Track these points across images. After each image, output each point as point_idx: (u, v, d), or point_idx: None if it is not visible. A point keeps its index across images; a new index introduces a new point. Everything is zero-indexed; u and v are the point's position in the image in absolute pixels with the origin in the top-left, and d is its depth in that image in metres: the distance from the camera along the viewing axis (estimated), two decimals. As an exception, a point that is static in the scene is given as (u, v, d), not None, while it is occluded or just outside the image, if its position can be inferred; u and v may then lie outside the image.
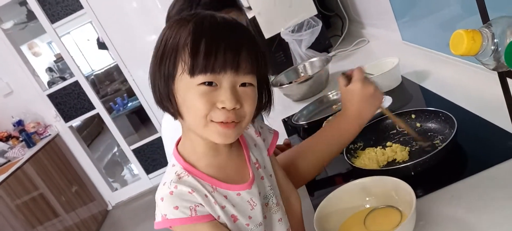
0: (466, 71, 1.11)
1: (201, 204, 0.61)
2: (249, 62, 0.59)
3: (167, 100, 0.62)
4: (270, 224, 0.70)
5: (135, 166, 3.90)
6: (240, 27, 0.62)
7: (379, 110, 1.02)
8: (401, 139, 0.98)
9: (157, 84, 0.62)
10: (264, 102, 0.68)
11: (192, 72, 0.58)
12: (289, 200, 0.77)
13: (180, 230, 0.62)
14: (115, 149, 5.59)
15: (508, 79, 0.49)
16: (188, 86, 0.59)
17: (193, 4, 1.01)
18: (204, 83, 0.58)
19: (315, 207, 0.79)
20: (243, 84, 0.60)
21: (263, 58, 0.62)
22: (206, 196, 0.61)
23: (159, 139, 3.75)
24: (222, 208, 0.63)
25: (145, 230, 3.41)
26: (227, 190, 0.64)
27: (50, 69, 6.51)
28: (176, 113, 0.62)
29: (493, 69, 0.47)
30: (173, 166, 0.65)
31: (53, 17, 3.34)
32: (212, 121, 0.59)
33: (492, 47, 0.43)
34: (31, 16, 4.73)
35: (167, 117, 1.05)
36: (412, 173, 0.81)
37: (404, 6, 1.45)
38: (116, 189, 4.00)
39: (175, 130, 0.95)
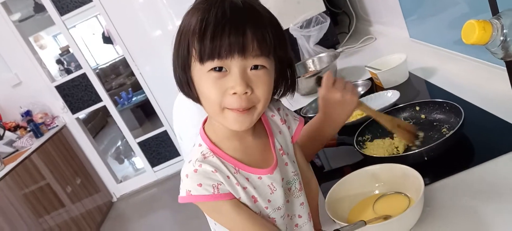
0: (472, 67, 1.15)
1: (222, 183, 0.62)
2: (257, 44, 0.58)
3: (187, 87, 0.63)
4: (292, 208, 0.72)
5: (141, 159, 3.94)
6: (249, 8, 0.59)
7: (359, 111, 1.05)
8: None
9: (177, 71, 0.63)
10: (287, 85, 0.67)
11: (201, 59, 0.58)
12: (309, 184, 0.79)
13: (202, 205, 0.64)
14: (119, 143, 5.64)
15: (515, 70, 0.52)
16: (200, 74, 0.60)
17: None
18: (214, 69, 0.58)
19: (324, 193, 0.83)
20: (255, 68, 0.59)
21: (277, 39, 0.60)
22: (228, 177, 0.63)
23: (165, 133, 3.80)
24: (244, 189, 0.64)
25: (149, 223, 3.46)
26: (249, 173, 0.65)
27: (59, 61, 6.56)
28: (197, 100, 0.64)
29: (501, 59, 0.50)
30: (200, 145, 0.66)
31: (63, 10, 3.37)
32: (226, 108, 0.60)
33: (501, 38, 0.47)
34: (38, 8, 4.79)
35: (180, 97, 1.07)
36: (420, 161, 0.84)
37: (413, 4, 1.48)
38: (121, 181, 4.05)
39: (188, 109, 0.97)
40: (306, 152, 0.88)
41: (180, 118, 1.04)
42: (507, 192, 0.72)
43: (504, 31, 0.46)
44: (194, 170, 0.62)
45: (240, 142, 0.66)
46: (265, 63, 0.59)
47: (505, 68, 0.99)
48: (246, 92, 0.58)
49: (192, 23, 0.59)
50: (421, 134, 0.95)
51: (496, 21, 0.47)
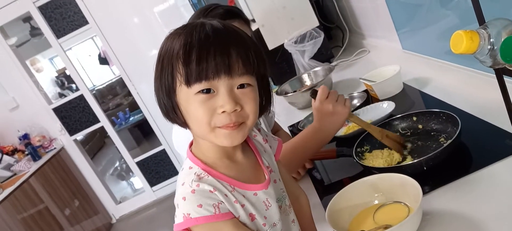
0: (464, 76, 1.17)
1: (222, 202, 0.61)
2: (241, 63, 0.59)
3: (173, 113, 0.63)
4: (286, 225, 0.71)
5: (139, 179, 3.92)
6: (228, 31, 0.61)
7: (351, 124, 1.11)
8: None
9: (161, 98, 0.63)
10: (267, 101, 0.68)
11: (188, 82, 0.59)
12: (298, 200, 0.79)
13: (202, 229, 0.60)
14: (117, 163, 5.61)
15: (504, 76, 0.54)
16: (187, 97, 0.60)
17: (202, 17, 1.07)
18: (201, 91, 0.59)
19: (325, 207, 0.83)
20: (241, 86, 0.60)
21: (258, 57, 0.62)
22: (226, 195, 0.62)
23: (163, 152, 3.79)
24: (242, 206, 0.63)
25: (149, 243, 3.43)
26: (245, 190, 0.64)
27: (56, 83, 6.57)
28: (183, 124, 0.64)
29: (490, 67, 0.52)
30: (190, 168, 0.64)
31: (59, 33, 3.41)
32: (216, 126, 0.60)
33: (489, 47, 0.48)
34: (34, 32, 4.82)
35: (176, 127, 1.09)
36: (419, 171, 0.85)
37: (404, 17, 1.51)
38: (120, 202, 4.02)
39: (185, 135, 1.00)
40: (296, 161, 0.91)
41: (180, 135, 1.05)
42: (504, 197, 0.73)
43: (491, 40, 0.48)
44: (192, 191, 0.60)
45: (231, 161, 0.66)
46: (250, 81, 0.61)
47: (492, 75, 1.02)
48: (235, 110, 0.60)
49: (175, 48, 0.60)
50: (408, 145, 0.99)
51: (483, 30, 0.49)
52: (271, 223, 0.67)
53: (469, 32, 0.48)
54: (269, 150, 0.74)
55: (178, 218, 0.60)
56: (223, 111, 0.59)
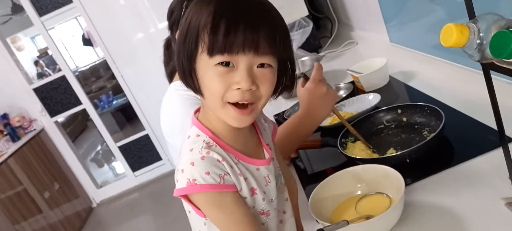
0: (450, 71, 1.18)
1: (228, 173, 0.61)
2: (268, 43, 0.58)
3: (190, 78, 0.63)
4: (281, 202, 0.73)
5: (121, 163, 3.88)
6: (262, 7, 0.60)
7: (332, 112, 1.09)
8: (384, 135, 1.03)
9: (181, 60, 0.63)
10: (286, 84, 0.67)
11: (211, 52, 0.58)
12: (290, 181, 0.80)
13: (204, 197, 0.61)
14: (99, 147, 5.53)
15: (491, 72, 0.55)
16: (207, 66, 0.59)
17: None
18: (221, 63, 0.58)
19: (308, 196, 0.84)
20: (262, 65, 0.59)
21: (285, 39, 0.61)
22: (231, 167, 0.62)
23: (146, 137, 3.75)
24: (245, 179, 0.64)
25: (130, 228, 3.40)
26: (249, 164, 0.65)
27: (37, 63, 6.41)
28: (198, 91, 0.64)
29: (478, 61, 0.52)
30: (198, 135, 0.64)
31: (41, 10, 3.30)
32: (228, 102, 0.60)
33: (478, 41, 0.49)
34: (16, 9, 4.67)
35: (165, 116, 1.07)
36: (402, 162, 0.86)
37: (393, 10, 1.51)
38: (101, 186, 3.97)
39: (176, 124, 0.98)
40: (283, 151, 0.90)
41: (172, 124, 1.04)
42: (484, 190, 0.74)
43: (481, 34, 0.48)
44: (202, 157, 0.60)
45: (238, 134, 0.66)
46: (271, 62, 0.60)
47: (481, 72, 1.03)
48: (250, 89, 0.59)
49: (203, 15, 0.59)
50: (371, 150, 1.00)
51: (473, 25, 0.49)
52: (269, 199, 0.68)
53: (459, 25, 0.48)
54: (268, 129, 0.75)
55: (181, 183, 0.60)
56: (238, 89, 0.59)
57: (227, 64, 0.59)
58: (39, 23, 3.33)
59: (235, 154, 0.64)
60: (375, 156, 0.96)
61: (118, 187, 3.94)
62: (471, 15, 0.52)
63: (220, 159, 0.61)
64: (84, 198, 3.83)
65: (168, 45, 1.08)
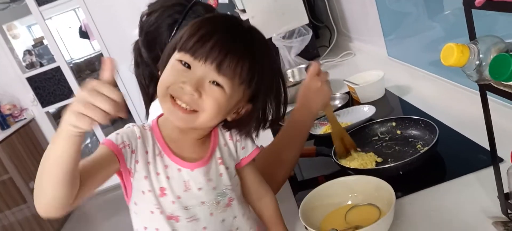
0: (444, 88, 1.20)
1: (134, 150, 0.63)
2: (233, 69, 0.61)
3: (163, 66, 0.67)
4: (212, 221, 0.69)
5: (111, 158, 3.84)
6: (248, 37, 0.65)
7: (322, 112, 1.10)
8: (377, 147, 1.04)
9: (168, 49, 0.68)
10: (269, 119, 0.72)
11: (179, 48, 0.63)
12: (262, 200, 0.78)
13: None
14: (88, 140, 5.48)
15: (487, 93, 0.56)
16: (171, 60, 0.65)
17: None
18: (181, 61, 0.63)
19: (299, 206, 0.82)
20: (215, 83, 0.62)
21: (261, 77, 0.65)
22: (147, 152, 0.64)
23: (138, 133, 3.73)
24: (157, 174, 0.64)
25: (114, 225, 3.37)
26: (171, 161, 0.66)
27: (29, 52, 6.33)
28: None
29: (476, 81, 0.53)
30: (144, 127, 0.69)
31: (41, 0, 3.28)
32: (170, 95, 0.63)
33: (477, 62, 0.50)
34: (14, -4, 4.62)
35: (154, 110, 1.07)
36: (394, 175, 0.87)
37: (393, 24, 1.53)
38: (88, 180, 3.93)
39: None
40: (285, 148, 0.90)
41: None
42: (472, 207, 0.75)
43: (480, 56, 0.49)
44: (127, 127, 0.66)
45: (182, 140, 0.68)
46: (225, 84, 0.62)
47: (476, 91, 1.04)
48: (192, 95, 0.61)
49: (196, 21, 0.65)
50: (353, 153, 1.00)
51: (474, 46, 0.50)
52: (183, 205, 0.66)
53: (460, 45, 0.49)
54: (232, 147, 0.73)
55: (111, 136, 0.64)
56: (181, 87, 0.61)
57: (186, 65, 0.62)
58: (37, 13, 3.30)
59: (162, 146, 0.66)
60: (379, 160, 0.96)
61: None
62: (472, 36, 0.53)
63: (138, 135, 0.64)
64: (71, 191, 3.79)
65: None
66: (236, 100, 0.66)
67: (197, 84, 0.61)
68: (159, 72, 0.68)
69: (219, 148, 0.71)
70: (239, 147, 0.74)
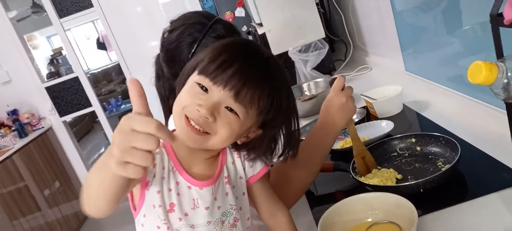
0: (465, 105, 1.18)
1: (155, 164, 0.64)
2: (246, 96, 0.63)
3: (181, 84, 0.69)
4: None
5: (125, 168, 3.87)
6: (267, 69, 0.66)
7: (348, 137, 1.08)
8: (396, 163, 1.02)
9: (187, 68, 0.70)
10: (272, 145, 0.72)
11: (199, 71, 0.65)
12: (275, 217, 0.77)
13: None
14: (103, 149, 5.55)
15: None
16: (189, 80, 0.66)
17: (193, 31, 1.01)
18: (200, 84, 0.64)
19: (316, 220, 0.82)
20: (230, 109, 0.63)
21: (272, 109, 0.66)
22: (163, 168, 0.65)
23: (152, 143, 3.75)
24: (169, 190, 0.65)
25: (127, 234, 3.38)
26: (183, 178, 0.66)
27: (52, 61, 6.49)
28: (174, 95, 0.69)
29: (503, 100, 0.52)
30: None
31: (62, 12, 3.37)
32: (186, 116, 0.63)
33: (505, 80, 0.49)
34: (35, 8, 4.76)
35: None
36: (415, 192, 0.85)
37: (411, 39, 1.52)
38: (103, 189, 3.96)
39: None
40: (305, 165, 0.89)
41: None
42: (495, 229, 0.73)
43: (509, 74, 0.49)
44: None
45: (190, 153, 0.68)
46: (240, 112, 0.64)
47: (496, 108, 1.03)
48: (207, 118, 0.62)
49: (216, 45, 0.67)
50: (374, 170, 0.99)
51: (502, 64, 0.49)
52: (189, 224, 0.66)
53: (488, 64, 0.49)
54: (239, 166, 0.73)
55: None
56: (197, 109, 0.62)
57: (204, 88, 0.64)
58: (58, 24, 3.39)
59: (174, 163, 0.67)
60: (399, 177, 0.94)
61: (119, 191, 3.93)
62: (500, 54, 0.52)
63: (158, 151, 0.66)
64: (84, 199, 3.82)
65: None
66: (248, 126, 0.68)
67: (213, 108, 0.62)
68: (176, 90, 0.69)
69: (227, 167, 0.72)
70: (248, 165, 0.74)
